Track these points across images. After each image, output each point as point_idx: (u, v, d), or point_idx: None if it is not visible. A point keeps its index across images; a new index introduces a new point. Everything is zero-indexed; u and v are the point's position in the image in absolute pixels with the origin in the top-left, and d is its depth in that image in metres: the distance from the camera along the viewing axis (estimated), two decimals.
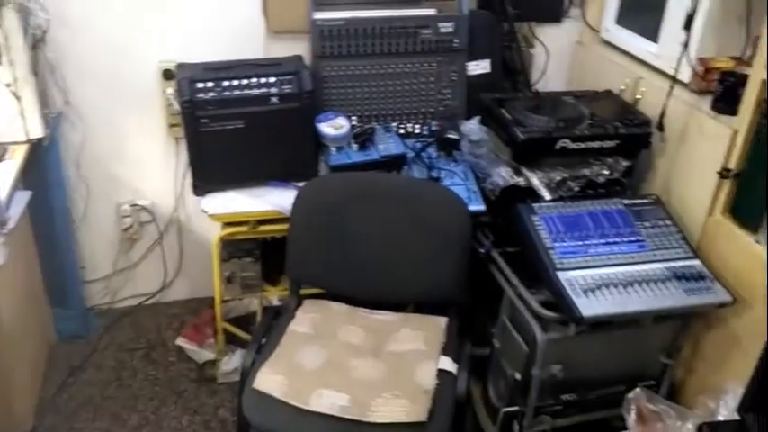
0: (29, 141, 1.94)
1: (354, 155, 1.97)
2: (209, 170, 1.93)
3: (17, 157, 1.90)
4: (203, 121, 1.85)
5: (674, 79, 1.82)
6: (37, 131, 1.94)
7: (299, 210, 1.78)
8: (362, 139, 2.00)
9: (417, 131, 2.15)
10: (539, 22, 2.33)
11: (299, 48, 2.10)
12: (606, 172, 1.84)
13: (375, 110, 2.14)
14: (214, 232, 2.03)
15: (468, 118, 2.10)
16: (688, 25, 1.71)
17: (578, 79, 2.35)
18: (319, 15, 2.04)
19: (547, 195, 1.79)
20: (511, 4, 2.20)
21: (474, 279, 1.81)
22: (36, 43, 1.95)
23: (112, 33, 2.08)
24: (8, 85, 1.86)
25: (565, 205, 1.78)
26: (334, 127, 1.99)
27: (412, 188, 1.82)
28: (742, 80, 1.68)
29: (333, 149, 1.97)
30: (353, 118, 2.07)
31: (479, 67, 2.18)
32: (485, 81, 2.19)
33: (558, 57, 2.36)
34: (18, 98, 1.88)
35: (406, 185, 1.83)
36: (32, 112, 1.91)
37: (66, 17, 2.02)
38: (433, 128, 2.14)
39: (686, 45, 1.75)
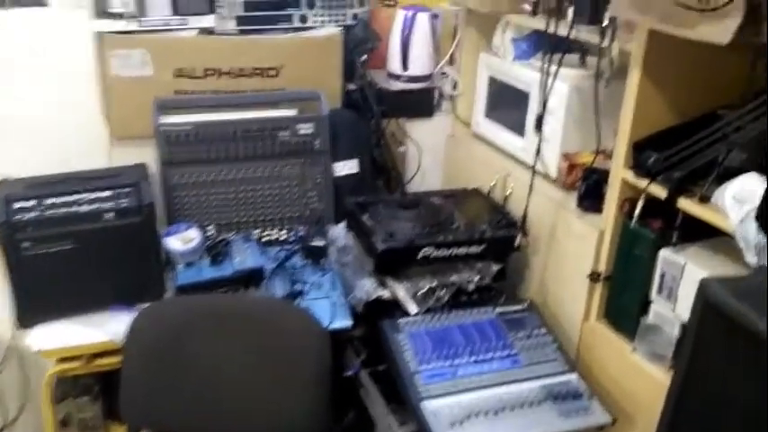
0: None
1: (206, 270, 1.77)
2: (36, 298, 1.68)
3: None
4: (24, 245, 1.61)
5: (541, 175, 1.75)
6: None
7: (133, 341, 1.54)
8: (216, 252, 1.81)
9: (283, 238, 1.97)
10: (409, 118, 2.25)
11: (147, 154, 1.92)
12: (476, 278, 1.72)
13: (234, 218, 1.96)
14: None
15: (338, 222, 1.96)
16: (539, 125, 1.65)
17: (452, 174, 2.27)
18: (165, 120, 1.88)
19: (413, 309, 1.64)
20: (377, 101, 2.12)
21: (343, 405, 1.62)
22: None
23: None
24: None
25: (433, 318, 1.64)
26: (183, 240, 1.79)
27: (263, 310, 1.62)
28: (605, 177, 1.61)
29: (181, 266, 1.77)
30: (210, 228, 1.89)
31: (346, 167, 2.05)
32: (354, 181, 2.06)
33: (431, 152, 2.28)
34: None
35: (256, 307, 1.63)
36: None
37: None
38: (300, 234, 1.98)
39: (540, 142, 1.69)
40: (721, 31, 1.05)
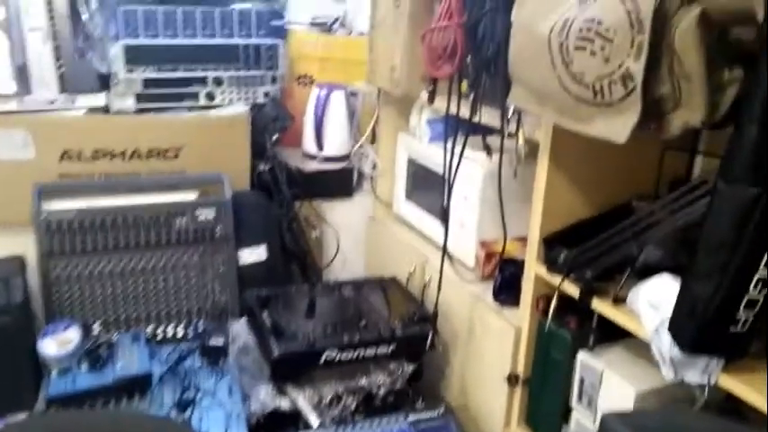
0: None
1: (82, 378, 1.56)
2: None
3: None
4: None
5: (459, 263, 1.62)
6: None
7: None
8: (96, 355, 1.60)
9: (180, 335, 1.79)
10: (326, 199, 2.12)
11: (25, 243, 1.72)
12: (387, 381, 1.56)
13: (123, 313, 1.77)
14: None
15: (243, 315, 1.79)
16: (445, 217, 1.54)
17: (375, 258, 2.13)
18: (48, 206, 1.70)
19: (315, 421, 1.46)
20: (289, 182, 1.99)
21: None
22: None
23: None
24: None
25: (339, 431, 1.46)
26: (59, 343, 1.59)
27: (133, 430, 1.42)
28: (522, 268, 1.49)
29: (55, 373, 1.56)
30: (95, 326, 1.69)
31: (254, 254, 1.90)
32: (262, 270, 1.90)
33: (352, 235, 2.15)
34: None
35: (124, 427, 1.42)
36: None
37: None
38: (199, 329, 1.79)
39: (446, 230, 1.58)
40: (619, 128, 0.96)
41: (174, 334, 1.78)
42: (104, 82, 1.84)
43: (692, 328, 1.00)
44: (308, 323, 1.55)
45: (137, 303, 1.78)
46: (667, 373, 1.07)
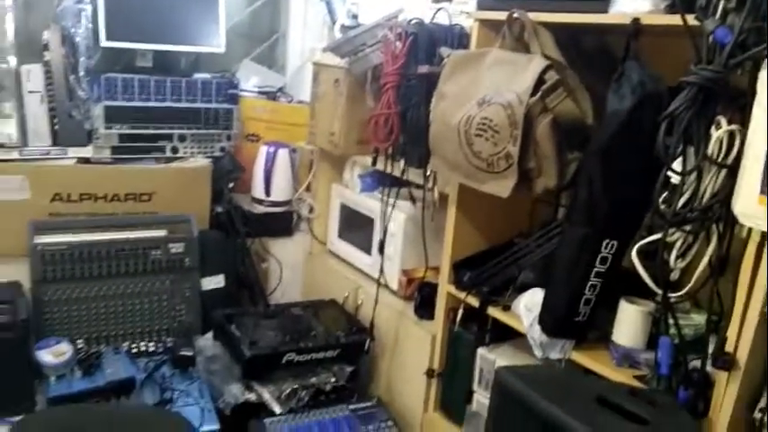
0: None
1: (77, 383, 1.86)
2: None
3: None
4: None
5: (385, 287, 2.08)
6: None
7: None
8: (88, 364, 1.91)
9: (152, 350, 2.12)
10: (271, 237, 2.53)
11: (19, 271, 2.01)
12: (333, 379, 1.97)
13: (104, 331, 2.09)
14: None
15: (205, 332, 2.14)
16: (381, 249, 2.01)
17: (311, 286, 2.55)
18: (40, 240, 2.00)
19: (277, 409, 1.86)
20: (242, 222, 2.38)
21: None
22: None
23: None
24: None
25: (296, 417, 1.85)
26: (54, 354, 1.88)
27: (139, 416, 1.74)
28: (435, 289, 1.98)
29: (54, 378, 1.86)
30: (79, 341, 1.99)
31: (213, 281, 2.27)
32: (220, 295, 2.28)
33: (292, 267, 2.56)
34: None
35: (132, 414, 1.75)
36: None
37: None
38: (168, 345, 2.13)
39: (382, 261, 2.04)
40: (502, 187, 1.47)
41: (147, 349, 2.11)
42: (89, 136, 2.18)
43: (552, 320, 1.51)
44: (269, 333, 1.95)
45: (115, 323, 2.10)
46: (538, 353, 1.57)
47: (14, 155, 2.02)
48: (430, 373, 1.93)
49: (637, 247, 1.28)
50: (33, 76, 2.07)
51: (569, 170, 1.47)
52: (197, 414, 1.86)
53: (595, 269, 1.42)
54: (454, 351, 1.89)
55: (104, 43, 2.20)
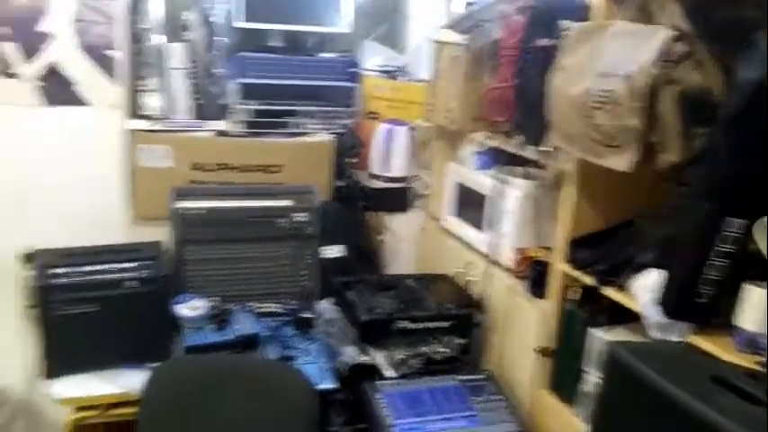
0: None
1: (210, 335, 2.04)
2: (62, 353, 1.94)
3: None
4: (56, 305, 1.89)
5: (498, 264, 2.10)
6: None
7: (151, 393, 1.79)
8: (219, 319, 2.09)
9: (275, 311, 2.27)
10: (389, 212, 2.61)
11: (162, 232, 2.23)
12: (443, 350, 2.03)
13: (235, 291, 2.26)
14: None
15: (324, 298, 2.27)
16: (495, 227, 2.02)
17: (424, 260, 2.61)
18: (182, 204, 2.20)
19: (389, 373, 1.94)
20: (361, 197, 2.49)
21: None
22: None
23: None
24: None
25: (407, 382, 1.93)
26: (190, 308, 2.08)
27: (265, 369, 1.89)
28: (548, 268, 1.97)
29: (189, 330, 2.05)
30: (214, 299, 2.18)
31: (334, 251, 2.39)
32: (340, 264, 2.39)
33: (406, 241, 2.64)
34: None
35: (259, 367, 1.90)
36: None
37: None
38: (291, 307, 2.27)
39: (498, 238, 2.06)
40: (623, 161, 1.45)
41: (272, 310, 2.27)
42: (225, 111, 2.35)
43: (672, 300, 1.47)
44: (385, 301, 2.03)
45: (244, 283, 2.28)
46: (656, 335, 1.53)
47: (160, 126, 2.23)
48: (544, 351, 1.93)
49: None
50: (176, 54, 2.26)
51: (695, 146, 1.42)
52: (315, 372, 1.98)
53: (719, 248, 1.36)
54: (567, 330, 1.87)
55: (240, 24, 2.36)
